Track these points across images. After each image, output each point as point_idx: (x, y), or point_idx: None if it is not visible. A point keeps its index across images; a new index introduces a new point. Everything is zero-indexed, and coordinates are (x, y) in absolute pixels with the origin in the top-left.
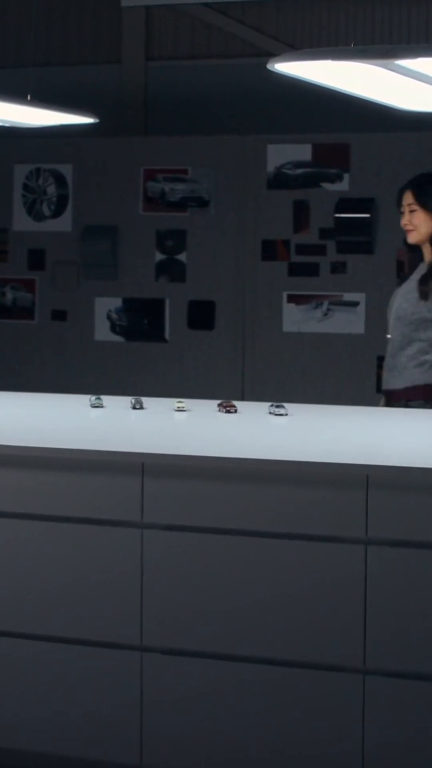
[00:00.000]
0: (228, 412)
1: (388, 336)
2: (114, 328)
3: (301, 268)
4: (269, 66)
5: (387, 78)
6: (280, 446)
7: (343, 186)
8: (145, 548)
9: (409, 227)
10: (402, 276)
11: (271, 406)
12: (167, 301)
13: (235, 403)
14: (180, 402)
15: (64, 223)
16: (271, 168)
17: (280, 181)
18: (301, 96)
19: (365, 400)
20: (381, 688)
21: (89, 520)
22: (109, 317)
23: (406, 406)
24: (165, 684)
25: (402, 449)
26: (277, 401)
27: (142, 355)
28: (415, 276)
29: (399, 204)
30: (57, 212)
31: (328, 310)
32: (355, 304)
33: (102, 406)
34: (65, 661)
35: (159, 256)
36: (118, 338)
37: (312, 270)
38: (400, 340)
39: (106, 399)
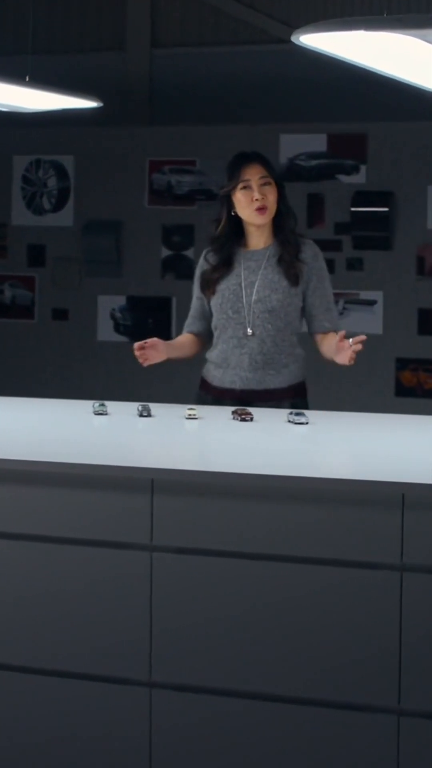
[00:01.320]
0: (243, 420)
1: None
2: (118, 327)
3: None
4: (293, 38)
5: (424, 53)
6: (302, 460)
7: (359, 178)
8: (154, 574)
9: (265, 202)
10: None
11: (290, 414)
12: (174, 300)
13: (250, 410)
14: (191, 409)
15: (65, 218)
16: (283, 159)
17: (293, 172)
18: (315, 83)
19: (384, 404)
20: (418, 730)
21: (92, 542)
22: (112, 316)
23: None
24: (175, 722)
25: None
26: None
27: None
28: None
29: (233, 177)
30: (58, 206)
31: (344, 309)
32: (372, 302)
33: (106, 414)
34: (66, 698)
35: (165, 252)
36: (122, 339)
37: (327, 266)
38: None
39: (111, 405)
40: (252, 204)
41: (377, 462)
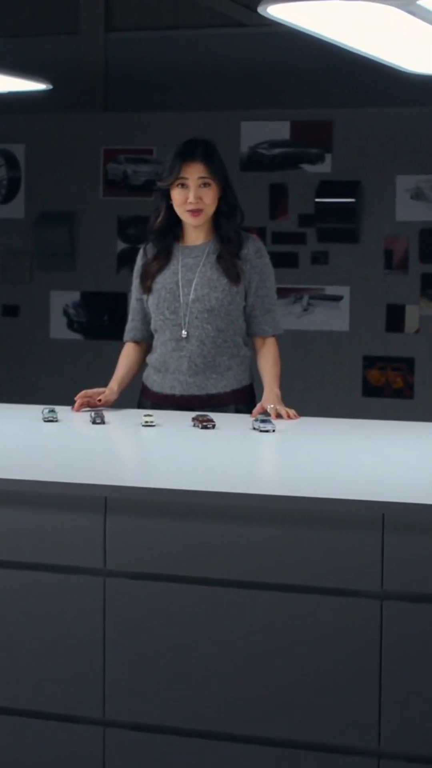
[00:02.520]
0: (205, 427)
1: None
2: (71, 324)
3: (278, 259)
4: (260, 9)
5: (405, 27)
6: (269, 475)
7: (324, 167)
8: (108, 601)
9: (200, 206)
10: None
11: (256, 420)
12: (129, 296)
13: (212, 416)
14: (148, 416)
15: (15, 209)
16: (244, 148)
17: (255, 162)
18: (278, 68)
19: (351, 404)
20: None
21: (39, 566)
22: (65, 313)
23: None
24: (131, 765)
25: (423, 478)
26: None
27: (102, 355)
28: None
29: (172, 173)
30: (8, 197)
31: (309, 304)
32: (338, 298)
33: (56, 420)
34: (11, 738)
35: (121, 245)
36: (76, 336)
37: (290, 260)
38: None
39: (62, 411)
40: (186, 204)
41: (353, 477)
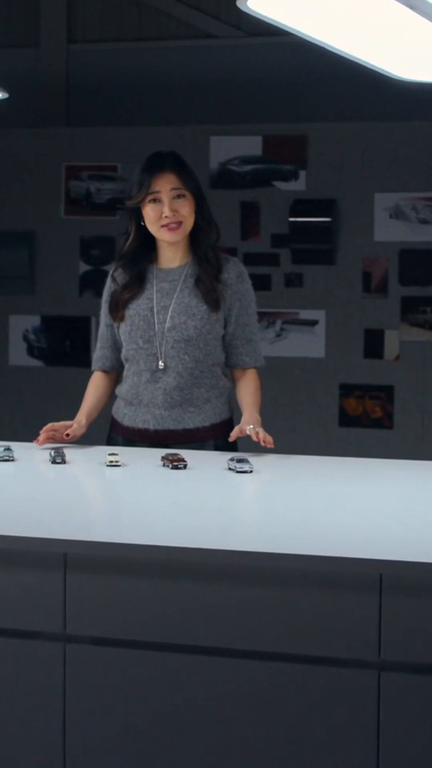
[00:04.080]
0: (175, 467)
1: None
2: (32, 350)
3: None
4: (239, 4)
5: (397, 25)
6: (250, 526)
7: (299, 185)
8: (68, 669)
9: (177, 218)
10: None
11: (231, 460)
12: (93, 320)
13: (185, 453)
14: (113, 454)
15: None
16: (214, 164)
17: (225, 179)
18: (249, 80)
19: (327, 435)
20: None
21: None
22: (25, 338)
23: None
24: None
25: (420, 530)
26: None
27: (64, 383)
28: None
29: (142, 188)
30: None
31: (282, 329)
32: (313, 323)
33: (12, 459)
34: None
35: (83, 267)
36: (37, 363)
37: (263, 283)
38: None
39: (18, 447)
40: (161, 220)
41: (344, 530)
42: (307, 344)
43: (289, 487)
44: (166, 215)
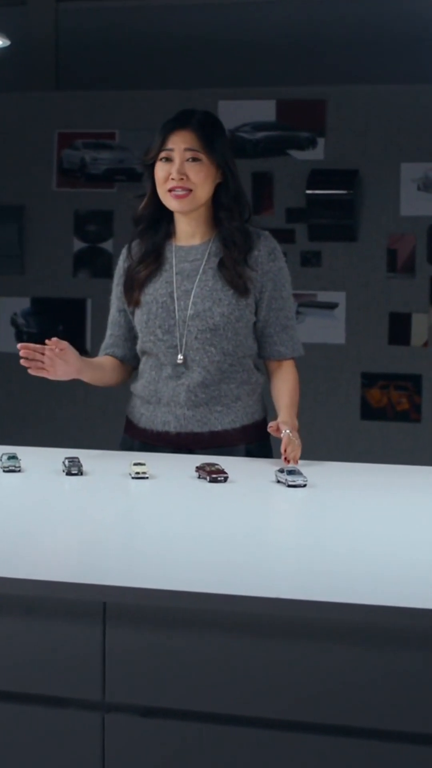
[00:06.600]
0: (214, 480)
1: None
2: (20, 335)
3: None
4: None
5: None
6: (315, 559)
7: (317, 154)
8: (108, 743)
9: (185, 184)
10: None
11: (280, 471)
12: (89, 302)
13: (221, 461)
14: (139, 464)
15: None
16: None
17: (235, 147)
18: (261, 39)
19: (347, 429)
20: None
21: (10, 695)
22: (14, 322)
23: None
24: None
25: None
26: None
27: None
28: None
29: (156, 143)
30: None
31: (298, 313)
32: (333, 305)
33: (18, 470)
34: None
35: (78, 245)
36: None
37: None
38: None
39: (25, 454)
40: (168, 183)
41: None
42: (326, 329)
43: (353, 503)
44: (172, 177)
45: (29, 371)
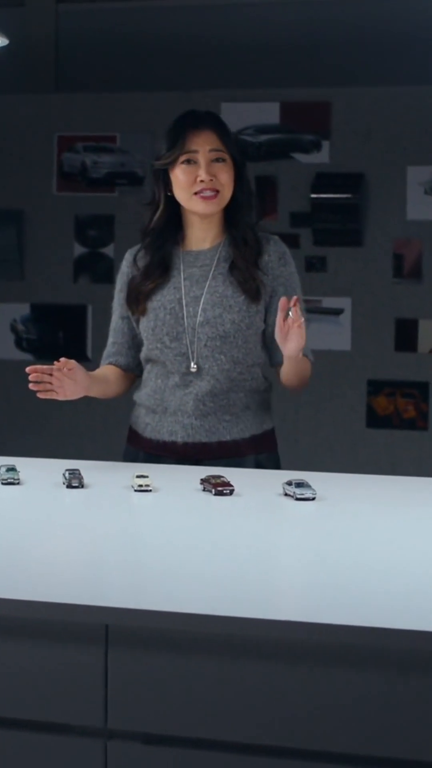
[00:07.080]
0: (220, 493)
1: None
2: (20, 342)
3: None
4: None
5: None
6: (324, 579)
7: (321, 157)
8: None
9: (215, 185)
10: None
11: (288, 484)
12: (89, 308)
13: (227, 473)
14: (142, 476)
15: None
16: None
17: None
18: (265, 40)
19: (352, 437)
20: None
21: (8, 722)
22: (13, 329)
23: None
24: None
25: None
26: None
27: None
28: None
29: (175, 146)
30: None
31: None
32: (338, 312)
33: (17, 482)
34: None
35: (79, 250)
36: (26, 356)
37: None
38: None
39: (24, 466)
40: (194, 186)
41: None
42: (331, 336)
43: (362, 518)
44: (201, 179)
45: (38, 395)
